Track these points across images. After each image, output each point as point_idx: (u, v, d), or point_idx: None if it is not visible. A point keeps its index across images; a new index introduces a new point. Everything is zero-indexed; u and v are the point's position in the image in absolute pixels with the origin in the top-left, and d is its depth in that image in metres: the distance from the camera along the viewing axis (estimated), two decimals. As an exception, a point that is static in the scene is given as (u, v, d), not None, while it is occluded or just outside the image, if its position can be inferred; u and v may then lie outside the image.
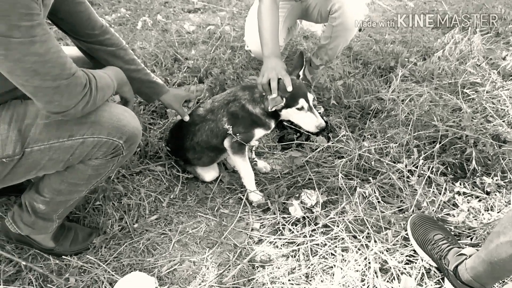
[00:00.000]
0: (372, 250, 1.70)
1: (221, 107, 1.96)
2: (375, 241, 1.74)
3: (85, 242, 1.75)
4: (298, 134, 2.37)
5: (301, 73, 2.00)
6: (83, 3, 1.61)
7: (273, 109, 1.85)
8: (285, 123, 2.39)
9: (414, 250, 1.73)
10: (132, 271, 1.65)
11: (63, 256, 1.69)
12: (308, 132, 2.11)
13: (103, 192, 1.88)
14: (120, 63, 1.80)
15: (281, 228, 1.88)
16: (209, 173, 2.15)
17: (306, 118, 1.91)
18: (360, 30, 3.60)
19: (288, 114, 1.92)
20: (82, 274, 1.64)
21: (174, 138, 2.11)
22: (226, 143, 1.96)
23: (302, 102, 1.86)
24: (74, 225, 1.80)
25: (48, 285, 1.57)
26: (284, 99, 1.85)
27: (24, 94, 1.29)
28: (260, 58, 2.68)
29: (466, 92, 2.59)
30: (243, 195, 2.05)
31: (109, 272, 1.64)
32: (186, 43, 3.03)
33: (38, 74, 1.18)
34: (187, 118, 2.03)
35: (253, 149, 2.22)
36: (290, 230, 1.87)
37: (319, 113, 2.07)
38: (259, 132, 1.98)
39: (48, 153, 1.35)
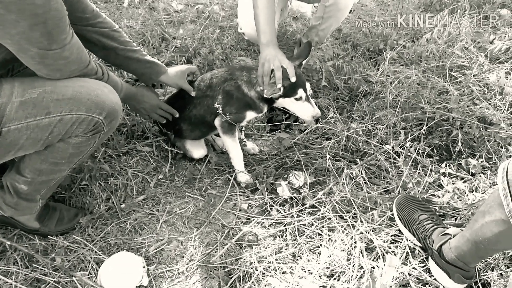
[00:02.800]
0: (358, 230, 1.72)
1: (218, 84, 1.93)
2: (361, 221, 1.77)
3: (71, 222, 1.73)
4: (286, 115, 2.36)
5: (304, 62, 1.94)
6: None
7: (270, 97, 1.82)
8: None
9: (399, 230, 1.76)
10: (119, 251, 1.65)
11: (49, 236, 1.68)
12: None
13: (89, 171, 1.86)
14: (115, 44, 1.77)
15: (268, 209, 1.89)
16: (197, 150, 2.14)
17: (303, 108, 1.87)
18: (350, 11, 3.57)
19: (285, 102, 1.89)
20: (69, 253, 1.63)
21: (173, 105, 2.04)
22: (217, 122, 1.95)
23: (300, 92, 1.83)
24: (60, 205, 1.78)
25: (33, 265, 1.56)
26: (282, 88, 1.80)
27: None
28: (254, 41, 2.65)
29: (453, 75, 2.60)
30: (231, 176, 2.05)
31: (96, 252, 1.63)
32: (174, 22, 2.97)
33: (60, 71, 1.33)
34: (194, 93, 1.99)
35: (243, 129, 2.21)
36: (277, 210, 1.87)
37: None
38: (250, 115, 1.96)
39: (25, 132, 1.31)
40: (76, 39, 1.34)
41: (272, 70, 1.79)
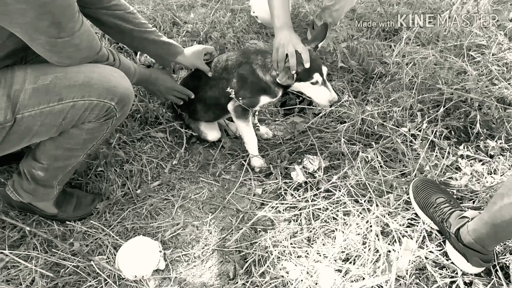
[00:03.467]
0: (374, 214, 1.70)
1: (233, 67, 1.91)
2: (377, 205, 1.75)
3: (88, 208, 1.76)
4: (300, 99, 2.34)
5: (320, 45, 1.89)
6: None
7: (285, 84, 1.79)
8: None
9: (415, 214, 1.74)
10: (136, 235, 1.67)
11: (67, 222, 1.71)
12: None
13: (104, 158, 1.87)
14: (130, 26, 1.75)
15: (283, 193, 1.88)
16: (212, 132, 2.14)
17: (319, 92, 1.82)
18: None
19: (300, 86, 1.85)
20: (87, 238, 1.66)
21: (189, 86, 2.03)
22: (230, 106, 1.94)
23: (316, 76, 1.78)
24: (77, 191, 1.81)
25: (52, 249, 1.59)
26: (296, 75, 1.76)
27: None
28: (267, 24, 2.61)
29: (471, 55, 2.53)
30: (245, 161, 2.05)
31: (113, 236, 1.66)
32: (185, 6, 2.95)
33: (70, 58, 1.34)
34: (211, 74, 1.98)
35: (256, 114, 2.19)
36: (292, 195, 1.87)
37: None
38: (264, 99, 1.93)
39: (39, 118, 1.33)
40: (86, 26, 1.33)
41: (287, 55, 1.76)
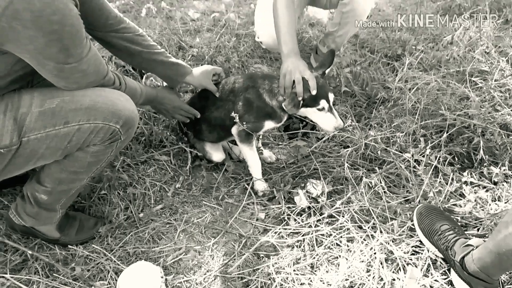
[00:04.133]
0: (377, 240, 1.69)
1: (240, 90, 1.92)
2: (381, 232, 1.73)
3: (91, 231, 1.75)
4: (303, 123, 2.35)
5: (327, 71, 1.91)
6: None
7: (291, 112, 1.80)
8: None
9: (420, 241, 1.72)
10: (137, 260, 1.66)
11: (69, 246, 1.70)
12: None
13: (108, 181, 1.88)
14: (139, 48, 1.78)
15: (286, 218, 1.87)
16: (216, 153, 2.14)
17: (326, 119, 1.83)
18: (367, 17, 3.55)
19: (306, 112, 1.86)
20: (88, 263, 1.64)
21: (196, 104, 2.05)
22: (234, 130, 1.95)
23: (323, 103, 1.79)
24: (79, 214, 1.81)
25: (54, 274, 1.58)
26: (302, 101, 1.77)
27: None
28: (271, 49, 2.65)
29: (474, 81, 2.55)
30: (248, 185, 2.04)
31: (114, 261, 1.64)
32: (191, 31, 3.00)
33: (77, 83, 1.36)
34: (218, 94, 1.99)
35: (260, 138, 2.20)
36: (295, 220, 1.86)
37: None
38: (269, 124, 1.95)
39: (45, 141, 1.34)
40: (93, 52, 1.36)
41: (294, 81, 1.77)
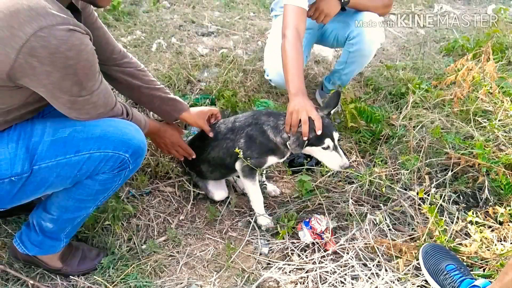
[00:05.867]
0: (383, 279, 1.67)
1: (241, 128, 1.95)
2: (386, 270, 1.71)
3: (93, 262, 1.74)
4: (307, 159, 2.36)
5: (333, 111, 1.94)
6: (101, 28, 1.66)
7: (294, 152, 1.82)
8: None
9: (425, 280, 1.70)
10: (138, 293, 1.64)
11: (71, 276, 1.68)
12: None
13: (113, 211, 1.88)
14: (139, 83, 1.83)
15: (290, 254, 1.86)
16: (218, 192, 2.15)
17: (330, 157, 1.85)
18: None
19: (311, 151, 1.88)
20: (89, 295, 1.63)
21: (193, 148, 2.07)
22: (238, 166, 1.96)
23: (328, 141, 1.81)
24: (82, 245, 1.80)
25: (54, 305, 1.56)
26: (307, 142, 1.80)
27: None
28: (281, 87, 2.70)
29: (477, 120, 2.57)
30: (252, 219, 2.04)
31: (115, 294, 1.62)
32: (199, 66, 3.07)
33: (88, 114, 1.39)
34: (212, 134, 2.02)
35: (264, 172, 2.21)
36: (299, 255, 1.84)
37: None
38: (272, 160, 1.96)
39: (55, 169, 1.37)
40: (104, 85, 1.40)
41: (300, 120, 1.79)
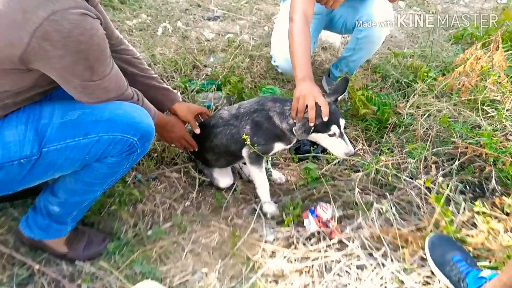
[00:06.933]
0: (388, 269, 1.66)
1: (246, 114, 1.93)
2: (392, 260, 1.71)
3: (99, 248, 1.74)
4: (314, 146, 2.35)
5: (340, 98, 1.91)
6: (101, 13, 1.63)
7: (301, 138, 1.81)
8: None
9: (431, 271, 1.69)
10: (144, 279, 1.64)
11: (76, 262, 1.69)
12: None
13: (119, 196, 1.88)
14: (135, 70, 1.84)
15: (295, 242, 1.86)
16: (223, 179, 2.15)
17: (336, 144, 1.83)
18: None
19: (317, 137, 1.86)
20: (94, 281, 1.63)
21: (195, 138, 2.07)
22: (244, 152, 1.95)
23: (334, 128, 1.79)
24: (88, 230, 1.80)
25: (60, 290, 1.57)
26: (313, 127, 1.78)
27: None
28: (287, 74, 2.67)
29: (485, 109, 2.54)
30: (258, 206, 2.03)
31: (121, 280, 1.63)
32: (205, 50, 3.03)
33: (98, 98, 1.39)
34: (198, 131, 2.02)
35: (269, 159, 2.20)
36: (304, 244, 1.84)
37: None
38: (279, 146, 1.95)
39: (65, 152, 1.36)
40: (115, 70, 1.39)
41: (307, 106, 1.77)
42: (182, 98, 2.25)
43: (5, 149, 1.31)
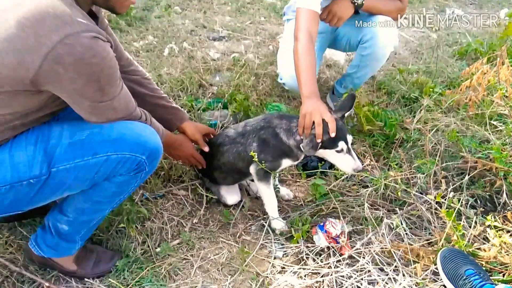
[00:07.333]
0: (400, 284, 1.64)
1: (253, 131, 1.94)
2: (403, 275, 1.69)
3: (107, 265, 1.74)
4: (322, 162, 2.35)
5: (346, 114, 1.92)
6: (111, 35, 1.69)
7: (308, 154, 1.82)
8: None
9: (444, 286, 1.66)
10: (153, 296, 1.63)
11: (85, 279, 1.68)
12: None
13: (127, 214, 1.88)
14: (144, 90, 1.87)
15: (304, 258, 1.84)
16: (231, 197, 2.14)
17: (344, 160, 1.82)
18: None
19: (325, 153, 1.86)
20: (104, 297, 1.62)
21: (203, 156, 2.09)
22: (252, 169, 1.95)
23: (341, 144, 1.78)
24: (97, 247, 1.80)
25: (69, 307, 1.56)
26: (320, 144, 1.77)
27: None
28: (294, 91, 2.69)
29: (493, 124, 2.54)
30: (266, 222, 2.02)
31: (130, 297, 1.61)
32: (211, 70, 3.07)
33: (107, 118, 1.40)
34: (206, 149, 2.05)
35: (277, 176, 2.20)
36: (314, 260, 1.82)
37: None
38: (286, 163, 1.95)
39: (73, 172, 1.37)
40: (124, 90, 1.41)
41: (313, 122, 1.77)
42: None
43: (14, 169, 1.32)
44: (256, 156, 1.84)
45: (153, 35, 3.58)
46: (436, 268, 1.71)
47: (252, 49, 3.52)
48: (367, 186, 2.17)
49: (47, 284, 1.59)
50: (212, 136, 2.15)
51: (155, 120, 1.68)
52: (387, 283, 1.66)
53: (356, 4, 2.38)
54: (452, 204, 1.96)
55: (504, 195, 2.03)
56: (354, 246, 1.83)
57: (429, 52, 3.76)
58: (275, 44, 3.66)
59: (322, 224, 1.93)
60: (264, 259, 1.86)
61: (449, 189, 2.01)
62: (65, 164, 1.35)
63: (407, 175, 2.17)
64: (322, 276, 1.73)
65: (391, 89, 3.10)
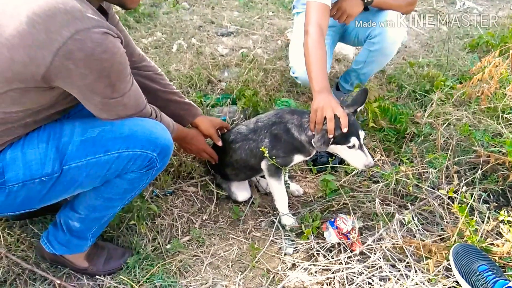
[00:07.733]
0: (412, 280, 1.62)
1: (264, 127, 1.93)
2: (416, 271, 1.67)
3: (118, 262, 1.75)
4: (332, 157, 2.33)
5: (359, 109, 1.89)
6: (122, 31, 1.68)
7: (320, 150, 1.80)
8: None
9: (456, 281, 1.64)
10: (164, 293, 1.64)
11: (97, 276, 1.69)
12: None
13: (137, 211, 1.88)
14: (157, 86, 1.86)
15: (315, 254, 1.83)
16: (241, 193, 2.14)
17: (356, 156, 1.80)
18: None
19: (336, 149, 1.84)
20: (115, 294, 1.63)
21: (216, 151, 2.08)
22: (263, 165, 1.94)
23: (353, 140, 1.76)
24: (108, 244, 1.81)
25: (81, 304, 1.57)
26: (332, 139, 1.75)
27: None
28: (306, 84, 2.67)
29: (506, 117, 2.50)
30: (276, 218, 2.02)
31: (141, 293, 1.62)
32: (220, 66, 3.06)
33: (118, 115, 1.39)
34: (220, 143, 2.03)
35: (287, 172, 2.19)
36: (324, 256, 1.81)
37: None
38: (298, 158, 1.94)
39: (85, 169, 1.37)
40: (135, 87, 1.40)
41: (325, 117, 1.75)
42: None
43: (26, 167, 1.32)
44: (267, 152, 1.83)
45: (161, 31, 3.57)
46: (449, 264, 1.68)
47: (261, 44, 3.49)
48: (378, 182, 2.15)
49: (58, 281, 1.60)
50: (225, 130, 2.14)
51: (166, 115, 1.68)
52: (399, 279, 1.65)
53: (366, 0, 2.35)
54: (464, 199, 1.93)
55: (518, 189, 2.00)
56: (365, 242, 1.81)
57: (440, 45, 3.70)
58: (283, 39, 3.63)
59: (332, 220, 1.92)
60: (274, 256, 1.86)
61: (462, 184, 1.99)
62: (77, 161, 1.35)
63: (418, 170, 2.15)
64: (333, 273, 1.72)
65: (401, 83, 3.06)
